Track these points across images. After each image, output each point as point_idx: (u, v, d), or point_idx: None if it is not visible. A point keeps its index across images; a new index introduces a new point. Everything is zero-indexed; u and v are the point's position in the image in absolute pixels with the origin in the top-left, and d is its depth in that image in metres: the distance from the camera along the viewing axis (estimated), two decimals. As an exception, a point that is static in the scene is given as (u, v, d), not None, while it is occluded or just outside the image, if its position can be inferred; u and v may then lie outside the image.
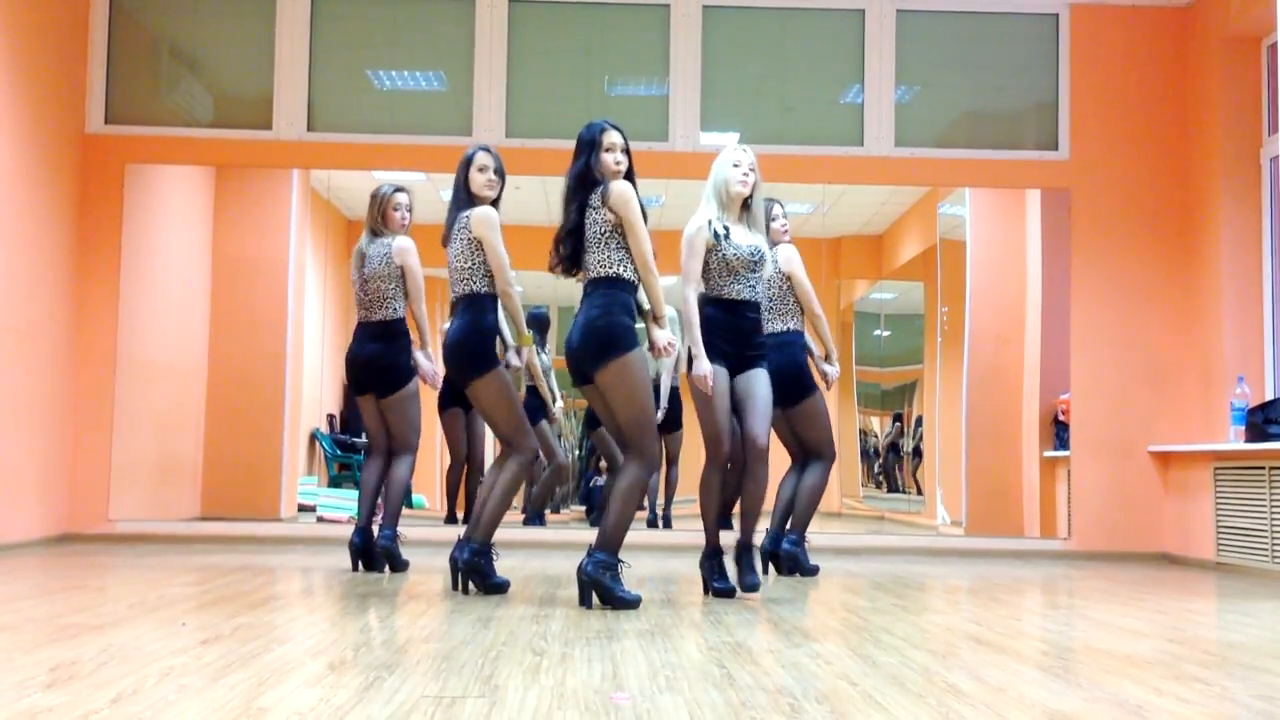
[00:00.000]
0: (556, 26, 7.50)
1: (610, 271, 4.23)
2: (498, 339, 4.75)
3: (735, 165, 4.63)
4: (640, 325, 4.41)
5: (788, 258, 5.46)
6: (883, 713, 2.50)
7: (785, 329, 5.45)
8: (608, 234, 4.23)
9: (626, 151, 4.34)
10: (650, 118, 7.38)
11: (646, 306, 4.38)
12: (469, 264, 4.64)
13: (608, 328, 4.17)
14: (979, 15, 7.45)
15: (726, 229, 4.56)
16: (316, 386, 8.38)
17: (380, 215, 5.51)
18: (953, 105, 7.55)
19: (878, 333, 8.86)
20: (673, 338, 4.34)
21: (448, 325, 4.80)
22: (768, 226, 5.41)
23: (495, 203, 4.78)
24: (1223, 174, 6.86)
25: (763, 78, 7.57)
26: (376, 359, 5.41)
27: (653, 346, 4.35)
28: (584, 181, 4.28)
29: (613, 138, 4.31)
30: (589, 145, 4.30)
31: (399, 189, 5.56)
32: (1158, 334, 7.23)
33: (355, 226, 8.48)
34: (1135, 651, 3.43)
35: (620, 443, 4.32)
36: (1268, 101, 6.80)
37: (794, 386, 5.38)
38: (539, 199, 7.75)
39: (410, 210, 5.57)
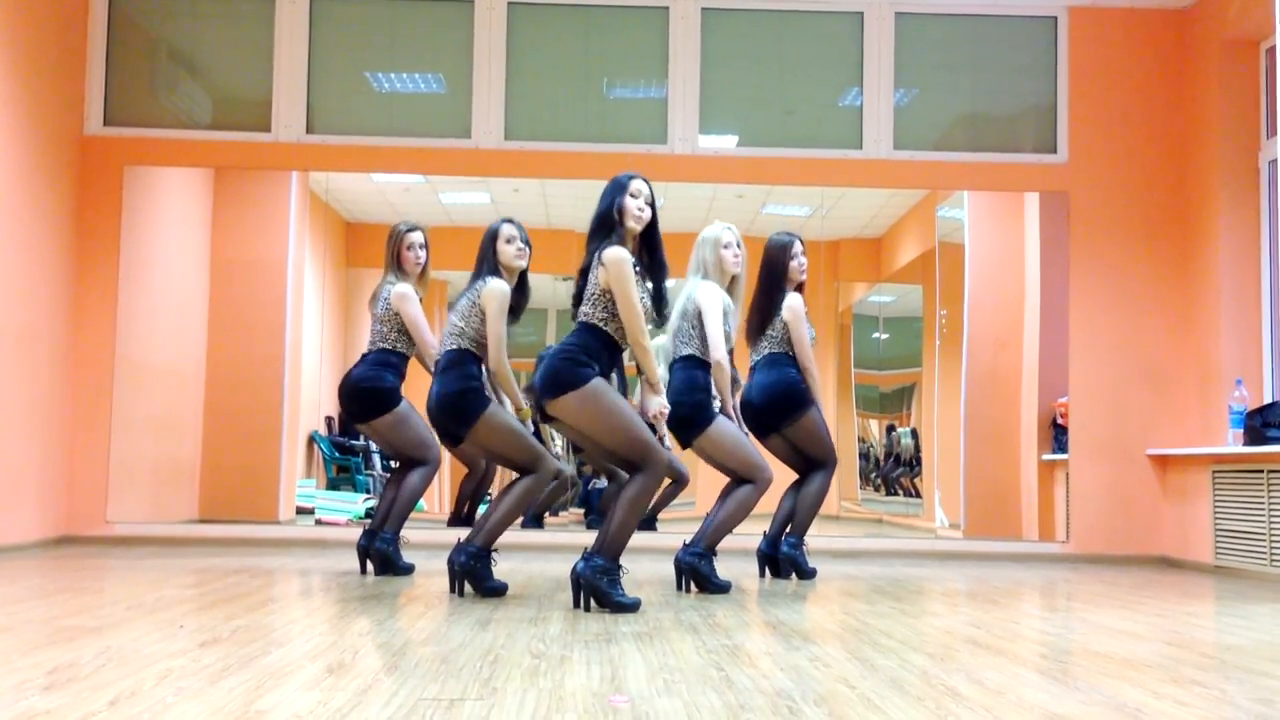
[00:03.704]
0: (555, 29, 7.50)
1: (590, 321, 4.26)
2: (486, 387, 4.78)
3: (725, 247, 5.08)
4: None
5: (790, 306, 5.43)
6: (881, 715, 2.50)
7: (774, 351, 5.45)
8: (599, 294, 4.25)
9: (651, 204, 4.36)
10: (649, 120, 7.39)
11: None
12: (465, 324, 4.70)
13: (562, 368, 4.18)
14: (978, 18, 7.46)
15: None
16: (315, 389, 8.37)
17: (395, 254, 5.51)
18: (951, 108, 7.56)
19: (876, 335, 8.85)
20: (666, 406, 4.39)
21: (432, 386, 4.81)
22: (788, 265, 5.51)
23: (525, 274, 4.87)
24: (1221, 177, 6.87)
25: (761, 80, 7.57)
26: (358, 381, 5.37)
27: (644, 412, 4.36)
28: (605, 223, 4.32)
29: (639, 185, 4.34)
30: (616, 189, 4.33)
31: (413, 228, 5.56)
32: (1156, 337, 7.24)
33: (354, 229, 8.48)
34: (1134, 654, 3.43)
35: (614, 465, 4.35)
36: (1266, 105, 6.81)
37: (786, 403, 5.37)
38: (538, 201, 7.75)
39: (425, 248, 5.57)
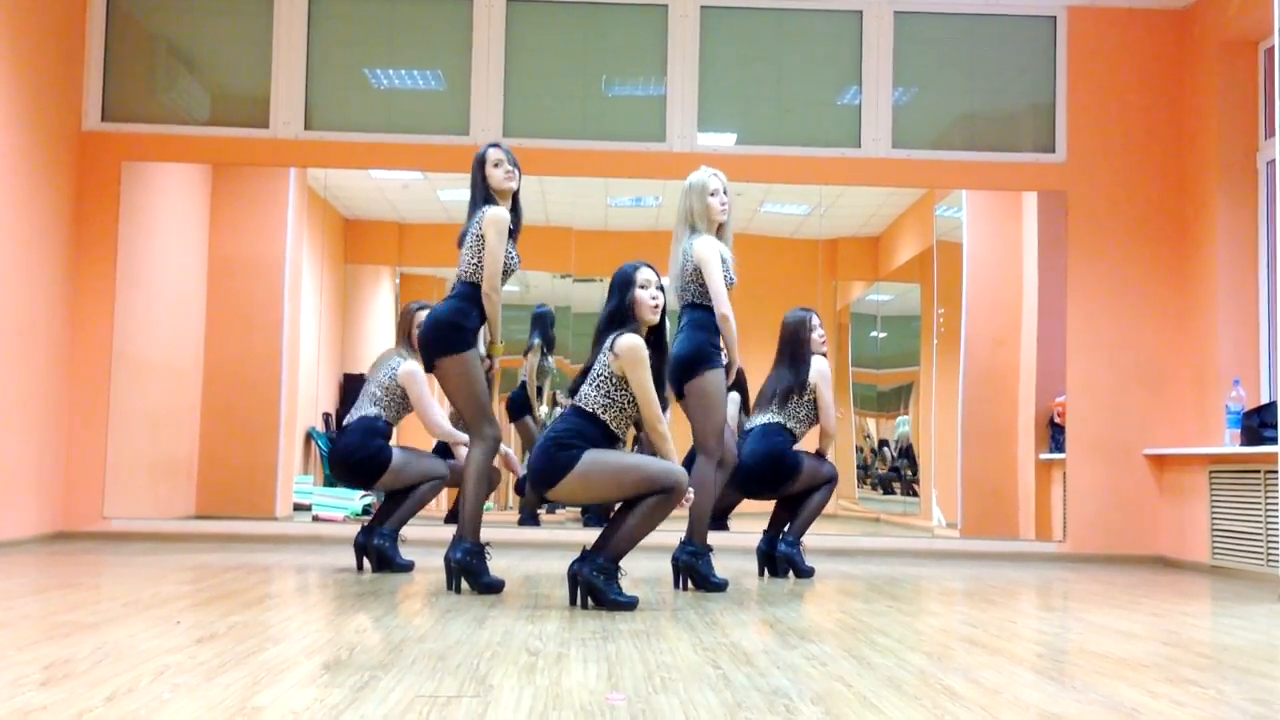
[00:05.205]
0: (554, 26, 7.50)
1: (589, 408, 4.20)
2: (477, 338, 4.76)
3: (713, 194, 4.99)
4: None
5: (820, 371, 5.56)
6: (878, 714, 2.50)
7: (770, 421, 5.52)
8: (605, 376, 4.20)
9: (661, 288, 4.34)
10: (647, 118, 7.38)
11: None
12: (474, 258, 4.69)
13: (554, 457, 4.11)
14: (977, 17, 7.46)
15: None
16: (312, 385, 8.37)
17: (406, 332, 5.56)
18: (950, 107, 7.56)
19: (874, 334, 8.85)
20: (692, 495, 4.29)
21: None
22: (809, 339, 5.61)
23: (516, 195, 4.83)
24: (1219, 177, 6.87)
25: (760, 78, 7.57)
26: (350, 452, 5.35)
27: None
28: (615, 320, 4.27)
29: (647, 274, 4.31)
30: (625, 284, 4.29)
31: (424, 306, 5.57)
32: (1153, 337, 7.24)
33: (352, 225, 8.48)
34: (1130, 654, 3.44)
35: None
36: (1264, 105, 6.81)
37: (780, 473, 5.47)
38: (536, 199, 7.74)
39: None
